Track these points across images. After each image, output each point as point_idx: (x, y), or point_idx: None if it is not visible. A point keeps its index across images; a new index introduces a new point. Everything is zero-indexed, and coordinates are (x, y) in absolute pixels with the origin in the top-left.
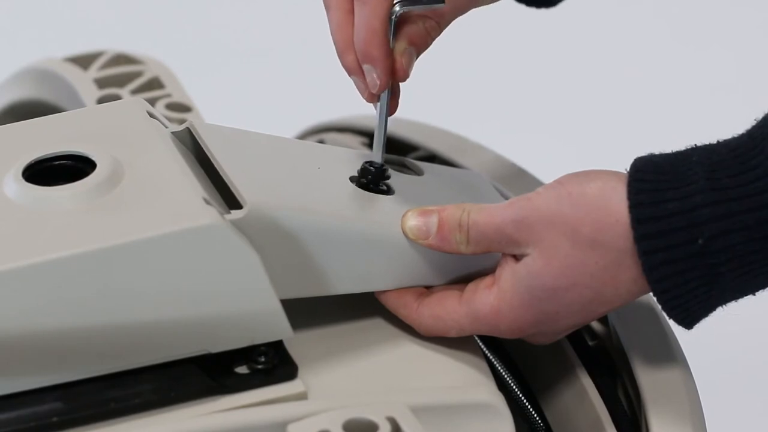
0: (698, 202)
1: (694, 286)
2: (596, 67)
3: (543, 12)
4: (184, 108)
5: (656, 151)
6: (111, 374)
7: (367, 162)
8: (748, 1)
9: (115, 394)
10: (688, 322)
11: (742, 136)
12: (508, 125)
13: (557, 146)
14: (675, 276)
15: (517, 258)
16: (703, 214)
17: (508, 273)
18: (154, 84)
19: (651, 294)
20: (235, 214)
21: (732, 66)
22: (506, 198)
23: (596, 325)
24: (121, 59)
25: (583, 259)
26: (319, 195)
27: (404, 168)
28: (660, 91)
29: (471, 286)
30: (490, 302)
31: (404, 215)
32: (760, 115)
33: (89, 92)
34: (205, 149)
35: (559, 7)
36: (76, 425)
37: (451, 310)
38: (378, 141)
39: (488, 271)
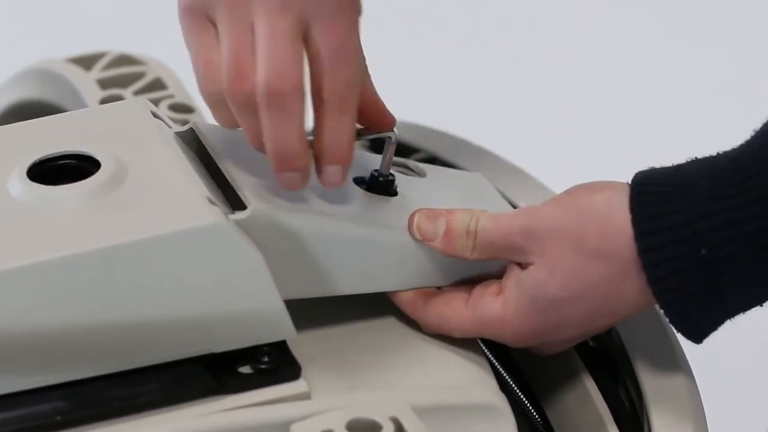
0: (700, 213)
1: (700, 297)
2: (597, 69)
3: (544, 13)
4: (187, 109)
5: (657, 151)
6: (115, 373)
7: (375, 171)
8: (748, 2)
9: (118, 393)
10: (697, 336)
11: (741, 145)
12: (508, 127)
13: (558, 147)
14: (680, 288)
15: (522, 266)
16: (705, 225)
17: (514, 282)
18: (157, 85)
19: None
20: (239, 214)
21: (734, 67)
22: (508, 200)
23: None
24: (123, 60)
25: (586, 269)
26: (323, 196)
27: (407, 170)
28: (661, 92)
29: (478, 290)
30: (495, 310)
31: (412, 215)
32: (758, 125)
33: (92, 93)
34: (208, 150)
35: (561, 8)
36: (79, 424)
37: (457, 312)
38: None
39: (495, 274)
